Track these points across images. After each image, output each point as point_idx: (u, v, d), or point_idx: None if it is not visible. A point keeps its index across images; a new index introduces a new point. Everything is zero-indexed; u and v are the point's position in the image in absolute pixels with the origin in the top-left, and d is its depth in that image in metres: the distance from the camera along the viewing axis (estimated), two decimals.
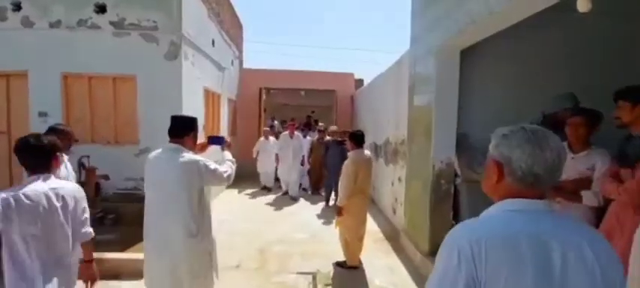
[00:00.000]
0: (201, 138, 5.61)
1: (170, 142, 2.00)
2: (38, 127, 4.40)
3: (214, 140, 2.30)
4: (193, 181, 1.90)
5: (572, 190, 1.92)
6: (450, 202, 3.31)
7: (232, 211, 5.38)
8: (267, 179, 7.09)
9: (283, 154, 6.46)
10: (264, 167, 6.99)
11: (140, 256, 2.73)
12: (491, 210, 0.81)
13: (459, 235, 0.76)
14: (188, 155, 1.93)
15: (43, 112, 4.46)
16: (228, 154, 2.25)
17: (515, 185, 0.78)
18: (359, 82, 10.55)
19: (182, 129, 2.02)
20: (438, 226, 3.27)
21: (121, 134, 4.59)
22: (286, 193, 6.54)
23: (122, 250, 3.26)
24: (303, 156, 6.63)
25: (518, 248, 0.69)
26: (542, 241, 0.71)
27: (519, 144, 0.77)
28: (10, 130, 4.63)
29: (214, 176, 1.96)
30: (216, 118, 6.43)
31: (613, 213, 1.69)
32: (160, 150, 2.01)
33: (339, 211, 3.12)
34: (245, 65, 9.37)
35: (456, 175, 3.30)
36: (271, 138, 7.02)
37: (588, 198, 1.89)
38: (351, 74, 10.19)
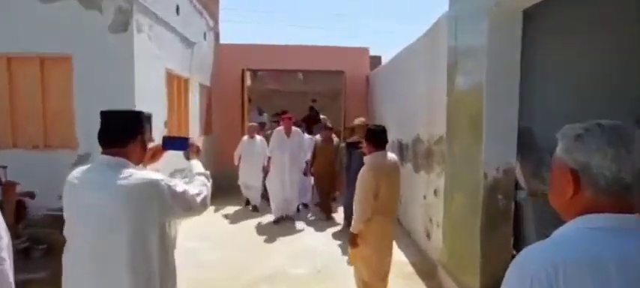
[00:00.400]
0: (159, 138, 5.54)
1: (103, 153, 1.60)
2: None
3: (172, 143, 1.89)
4: (147, 216, 1.52)
5: None
6: (510, 223, 3.17)
7: (205, 237, 5.24)
8: (252, 194, 6.76)
9: (277, 159, 5.95)
10: (249, 178, 6.62)
11: None
12: (567, 228, 0.85)
13: (530, 259, 0.80)
14: (137, 174, 1.55)
15: None
16: (197, 165, 1.88)
17: (597, 198, 0.81)
18: (376, 61, 10.37)
19: (122, 132, 1.62)
20: (493, 258, 3.12)
21: (52, 135, 4.49)
22: (281, 218, 6.07)
23: None
24: (307, 163, 6.23)
25: (606, 272, 0.73)
26: (635, 264, 0.74)
27: (599, 147, 0.80)
28: None
29: (182, 204, 1.60)
30: (183, 111, 6.31)
31: None
32: (87, 167, 1.64)
33: (352, 240, 2.95)
34: (223, 40, 9.28)
35: (517, 186, 3.12)
36: (258, 137, 6.69)
37: None
38: (366, 49, 10.04)
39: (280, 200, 5.96)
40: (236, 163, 6.66)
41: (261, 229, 5.77)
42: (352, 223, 2.95)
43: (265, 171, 6.29)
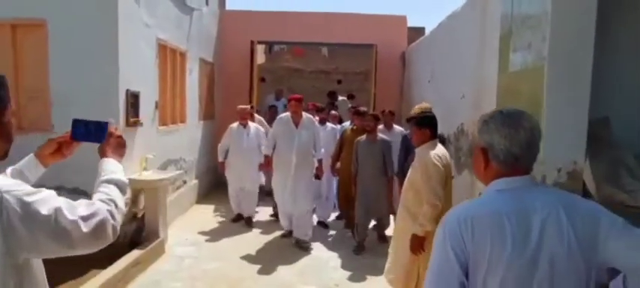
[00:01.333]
0: (149, 122, 5.49)
1: None
2: None
3: (84, 131, 1.56)
4: None
5: None
6: None
7: (200, 242, 5.33)
8: (246, 203, 6.16)
9: (280, 158, 5.25)
10: (241, 180, 6.00)
11: None
12: (483, 193, 1.40)
13: (449, 216, 1.34)
14: None
15: None
16: (110, 167, 1.48)
17: (499, 168, 1.33)
18: (417, 33, 10.10)
19: None
20: None
21: (25, 115, 4.63)
22: (288, 233, 5.54)
23: None
24: (320, 161, 5.49)
25: (501, 222, 1.23)
26: (524, 214, 1.25)
27: (497, 128, 1.31)
28: None
29: (51, 233, 1.16)
30: (179, 91, 6.38)
31: None
32: None
33: (418, 244, 3.02)
34: (229, 6, 9.33)
35: (585, 192, 2.93)
36: (253, 125, 6.19)
37: None
38: (403, 17, 9.81)
39: (286, 208, 5.36)
40: (220, 159, 6.07)
41: (264, 239, 5.62)
42: (419, 221, 3.02)
43: (264, 169, 5.85)
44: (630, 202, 2.74)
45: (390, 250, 3.51)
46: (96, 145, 1.57)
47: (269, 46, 13.12)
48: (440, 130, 5.82)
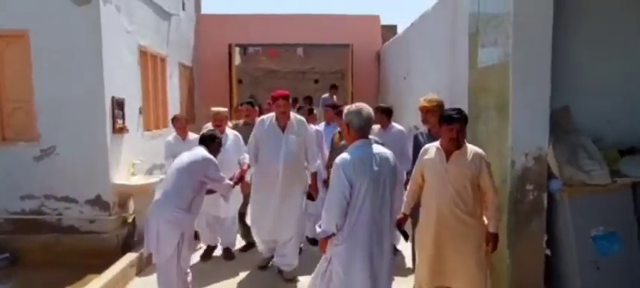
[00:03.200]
0: (134, 128, 5.52)
1: None
2: None
3: None
4: None
5: None
6: (542, 219, 3.28)
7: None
8: (222, 231, 4.81)
9: (263, 168, 4.12)
10: (212, 204, 4.36)
11: None
12: (353, 147, 2.61)
13: (341, 160, 2.55)
14: None
15: None
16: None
17: (356, 134, 2.62)
18: (390, 31, 10.41)
19: None
20: (524, 261, 3.26)
21: (9, 126, 4.68)
22: (267, 263, 4.44)
23: None
24: (315, 175, 4.33)
25: (363, 161, 2.54)
26: (371, 156, 2.58)
27: (354, 113, 2.63)
28: None
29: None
30: (160, 96, 6.44)
31: None
32: None
33: (496, 241, 2.98)
34: (205, 10, 9.42)
35: (550, 174, 3.23)
36: (231, 133, 4.74)
37: None
38: (376, 17, 10.10)
39: (266, 235, 4.21)
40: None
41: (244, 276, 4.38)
42: (493, 220, 2.94)
43: (243, 192, 4.29)
44: (589, 180, 3.05)
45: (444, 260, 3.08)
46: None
47: (244, 48, 13.21)
48: (415, 122, 6.14)
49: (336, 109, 5.11)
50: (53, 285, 3.90)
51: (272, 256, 4.36)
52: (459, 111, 3.00)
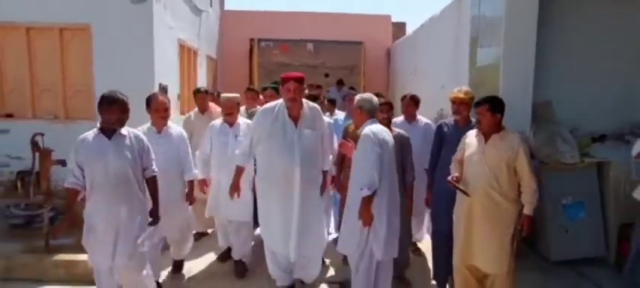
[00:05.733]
0: (175, 113, 6.16)
1: None
2: None
3: None
4: None
5: None
6: None
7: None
8: (234, 237, 3.93)
9: (272, 167, 3.28)
10: (229, 206, 3.72)
11: None
12: (367, 123, 2.97)
13: (370, 130, 2.90)
14: None
15: None
16: None
17: (367, 116, 2.99)
18: (399, 28, 11.02)
19: None
20: None
21: (72, 107, 5.32)
22: None
23: None
24: (325, 173, 3.52)
25: (381, 131, 2.96)
26: (382, 129, 3.00)
27: (366, 100, 3.02)
28: None
29: None
30: (192, 85, 7.05)
31: None
32: None
33: (528, 223, 2.97)
34: (228, 6, 10.05)
35: (531, 155, 3.81)
36: (245, 121, 3.95)
37: None
38: (387, 17, 10.73)
39: (283, 258, 3.39)
40: (202, 175, 3.83)
41: None
42: (529, 203, 2.92)
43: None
44: (562, 160, 3.70)
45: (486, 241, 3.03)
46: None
47: (257, 42, 13.86)
48: (423, 113, 6.73)
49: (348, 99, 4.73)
50: None
51: (290, 285, 3.49)
52: (487, 98, 3.04)
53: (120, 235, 2.86)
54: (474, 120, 3.47)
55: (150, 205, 3.07)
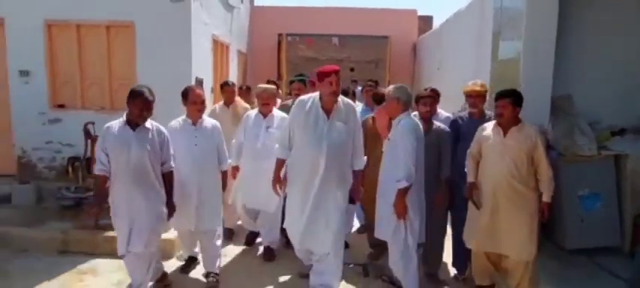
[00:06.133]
0: (208, 106, 6.53)
1: None
2: (19, 88, 5.68)
3: None
4: None
5: None
6: None
7: None
8: (263, 222, 4.17)
9: (300, 160, 3.28)
10: (254, 195, 3.96)
11: (169, 235, 4.04)
12: (404, 117, 3.19)
13: (412, 124, 3.18)
14: None
15: (25, 71, 5.71)
16: None
17: (403, 107, 3.19)
18: (426, 23, 11.10)
19: None
20: None
21: (117, 98, 5.73)
22: (308, 272, 3.55)
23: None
24: (356, 173, 3.44)
25: (417, 126, 3.21)
26: (416, 122, 3.27)
27: (403, 91, 3.22)
28: None
29: None
30: (224, 78, 7.31)
31: None
32: None
33: (548, 209, 3.17)
34: (257, 2, 10.40)
35: (549, 146, 3.88)
36: (279, 114, 4.07)
37: None
38: (413, 11, 10.84)
39: (297, 243, 3.41)
40: (235, 162, 4.04)
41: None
42: (547, 190, 3.11)
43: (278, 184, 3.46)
44: (579, 152, 3.82)
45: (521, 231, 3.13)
46: None
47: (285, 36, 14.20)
48: (445, 108, 6.85)
49: (376, 96, 4.37)
50: None
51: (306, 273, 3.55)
52: (509, 91, 3.14)
53: (135, 222, 3.03)
54: (488, 113, 3.65)
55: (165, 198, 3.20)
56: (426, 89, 3.88)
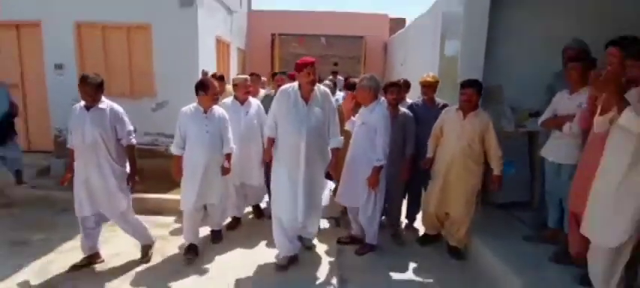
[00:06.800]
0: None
1: None
2: (54, 80, 5.84)
3: None
4: None
5: (557, 124, 3.09)
6: None
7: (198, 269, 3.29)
8: (251, 195, 4.18)
9: (284, 142, 3.24)
10: (239, 171, 3.87)
11: (175, 196, 4.24)
12: (380, 107, 3.19)
13: (387, 115, 3.21)
14: None
15: (59, 65, 5.85)
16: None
17: (373, 96, 3.23)
18: (398, 24, 11.29)
19: None
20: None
21: (136, 87, 5.90)
22: (288, 262, 3.33)
23: None
24: (336, 150, 3.38)
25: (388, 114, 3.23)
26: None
27: (373, 80, 3.21)
28: (23, 84, 6.09)
29: None
30: (225, 73, 7.55)
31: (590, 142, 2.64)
32: None
33: (499, 181, 3.38)
34: (254, 7, 10.47)
35: None
36: (254, 101, 4.06)
37: (565, 129, 3.00)
38: (385, 16, 11.03)
39: (289, 224, 3.27)
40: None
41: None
42: (497, 166, 3.29)
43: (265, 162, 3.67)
44: (502, 130, 4.06)
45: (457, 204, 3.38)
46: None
47: (278, 36, 14.24)
48: (408, 96, 7.11)
49: (348, 83, 4.60)
50: (166, 189, 4.79)
51: (293, 255, 3.37)
52: (473, 81, 3.20)
53: (90, 190, 2.98)
54: (439, 101, 3.87)
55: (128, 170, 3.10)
56: (398, 80, 3.89)
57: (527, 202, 4.14)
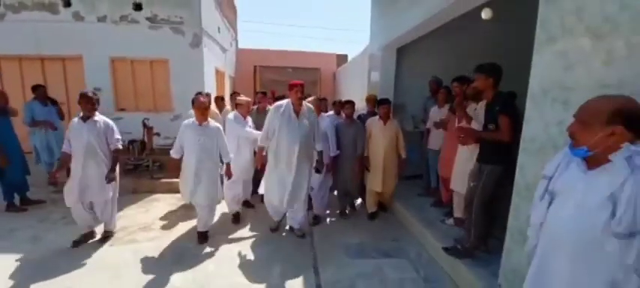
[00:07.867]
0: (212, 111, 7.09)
1: None
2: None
3: None
4: None
5: (442, 126, 3.60)
6: None
7: (177, 254, 2.97)
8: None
9: (281, 147, 3.19)
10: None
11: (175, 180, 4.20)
12: (331, 115, 3.64)
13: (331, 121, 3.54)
14: None
15: (98, 88, 6.03)
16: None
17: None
18: (344, 58, 12.12)
19: None
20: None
21: (159, 104, 6.15)
22: (278, 224, 3.50)
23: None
24: (321, 153, 3.42)
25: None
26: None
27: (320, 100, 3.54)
28: (68, 102, 6.19)
29: None
30: (222, 93, 7.92)
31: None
32: None
33: (405, 164, 3.68)
34: (241, 45, 10.82)
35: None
36: (231, 113, 3.79)
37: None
38: (333, 55, 11.79)
39: (278, 205, 3.28)
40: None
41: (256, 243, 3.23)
42: (404, 154, 3.64)
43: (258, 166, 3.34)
44: (407, 130, 4.75)
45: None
46: None
47: (259, 67, 14.60)
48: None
49: (319, 100, 4.04)
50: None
51: (280, 220, 3.48)
52: (387, 99, 3.54)
53: (86, 185, 2.92)
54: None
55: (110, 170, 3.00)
56: (348, 101, 3.85)
57: (420, 174, 4.49)
